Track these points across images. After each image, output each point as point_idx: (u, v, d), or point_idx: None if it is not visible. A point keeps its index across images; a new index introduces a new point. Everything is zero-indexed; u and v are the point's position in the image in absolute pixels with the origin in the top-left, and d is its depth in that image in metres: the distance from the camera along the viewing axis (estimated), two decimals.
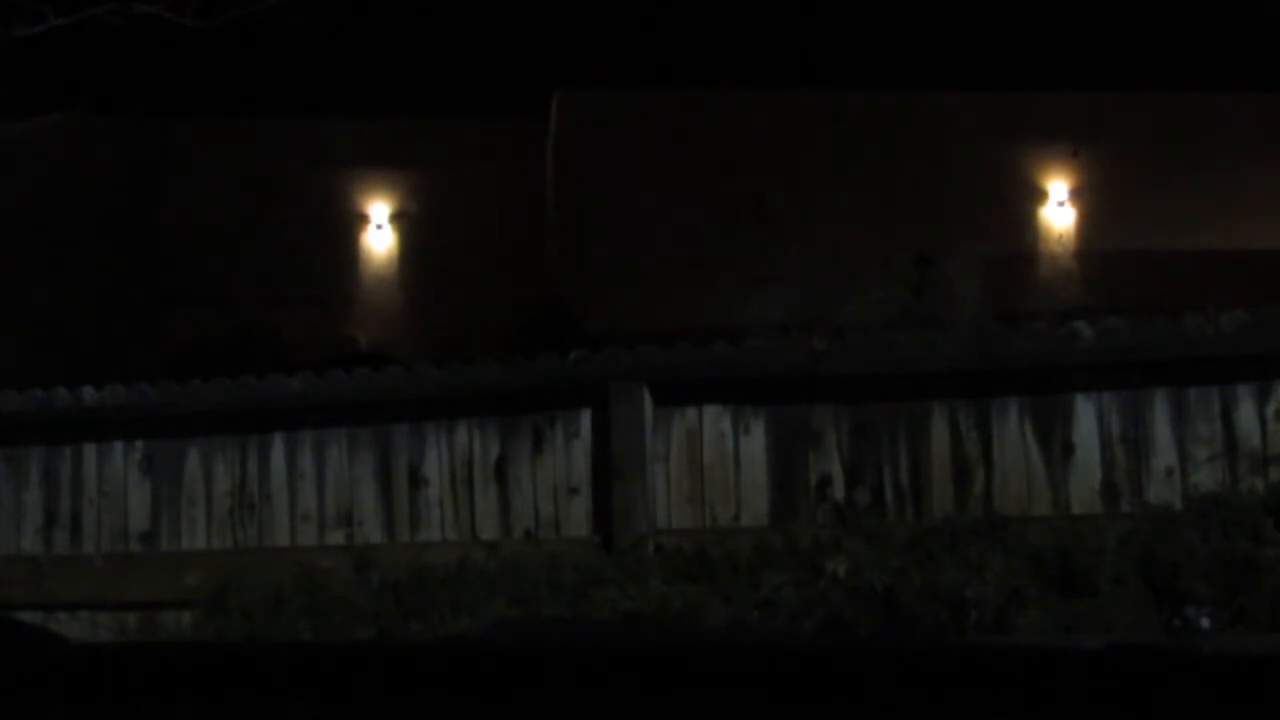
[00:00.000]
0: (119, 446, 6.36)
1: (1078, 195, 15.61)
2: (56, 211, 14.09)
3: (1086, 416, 5.18)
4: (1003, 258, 14.75)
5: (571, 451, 5.72)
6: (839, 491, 5.39)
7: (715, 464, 5.54)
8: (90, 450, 6.39)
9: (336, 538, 5.99)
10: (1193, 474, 5.03)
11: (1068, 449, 5.19)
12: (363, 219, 15.93)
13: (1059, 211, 15.66)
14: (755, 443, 5.51)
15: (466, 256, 14.96)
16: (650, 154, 14.56)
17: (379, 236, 15.96)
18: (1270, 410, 5.00)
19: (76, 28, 6.93)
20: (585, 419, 5.70)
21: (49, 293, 13.62)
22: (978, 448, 5.27)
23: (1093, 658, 1.58)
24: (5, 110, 7.22)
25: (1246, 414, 5.02)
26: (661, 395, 5.58)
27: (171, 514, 6.26)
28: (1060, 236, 15.64)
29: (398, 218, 15.94)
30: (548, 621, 4.04)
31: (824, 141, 14.59)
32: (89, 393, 6.38)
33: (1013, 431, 5.25)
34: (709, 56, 15.53)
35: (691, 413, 5.58)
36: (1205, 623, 4.00)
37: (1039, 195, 15.65)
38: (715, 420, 5.56)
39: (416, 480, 5.91)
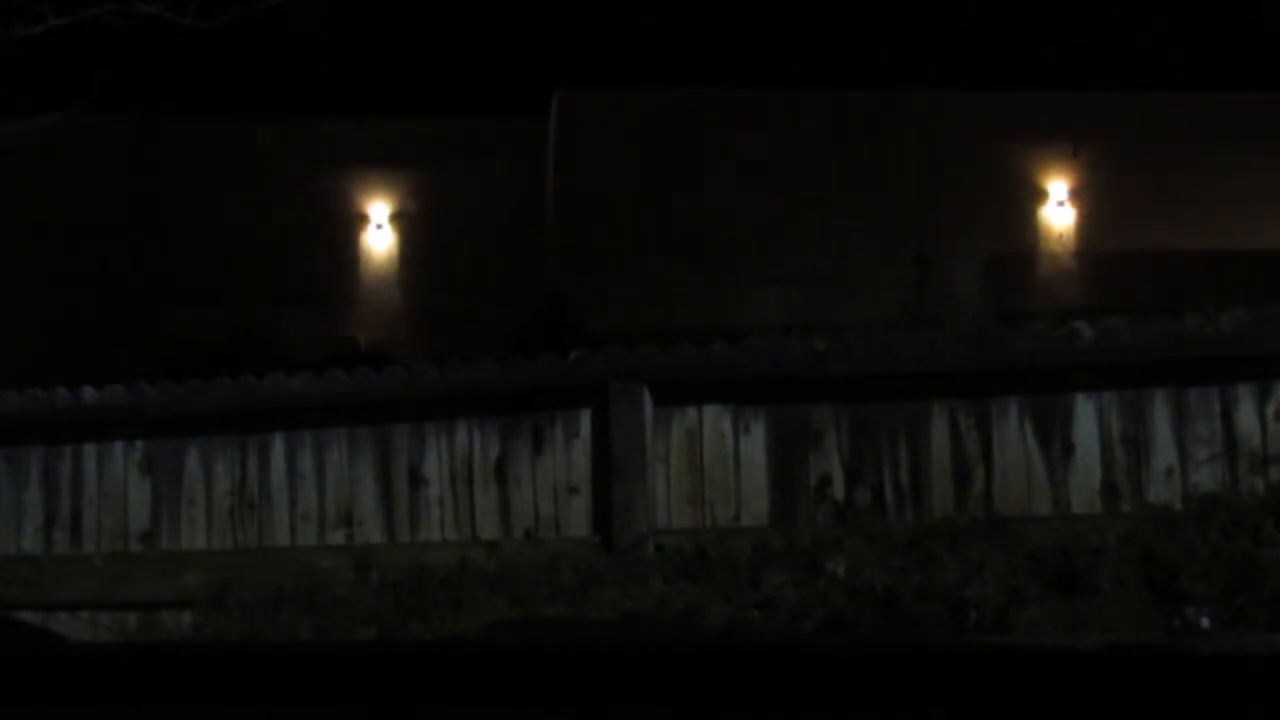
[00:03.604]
0: (119, 446, 6.35)
1: (1078, 195, 15.60)
2: (56, 211, 14.08)
3: (1086, 416, 5.18)
4: (1003, 258, 14.76)
5: (571, 451, 5.71)
6: (839, 491, 5.39)
7: (715, 464, 5.54)
8: (90, 450, 6.39)
9: (336, 538, 5.99)
10: (1193, 474, 5.03)
11: (1068, 449, 5.19)
12: (363, 219, 15.92)
13: (1059, 211, 15.66)
14: (755, 443, 5.51)
15: (466, 256, 14.96)
16: (650, 154, 14.56)
17: (379, 236, 15.96)
18: (1270, 410, 5.00)
19: (76, 28, 6.92)
20: (585, 419, 5.70)
21: (49, 293, 13.62)
22: (978, 448, 5.27)
23: (1093, 658, 1.58)
24: (5, 110, 7.22)
25: (1246, 414, 5.02)
26: (661, 395, 5.58)
27: (171, 514, 6.26)
28: (1060, 236, 15.64)
29: (398, 218, 15.93)
30: (548, 621, 4.04)
31: (824, 141, 14.58)
32: (89, 393, 6.38)
33: (1013, 431, 5.25)
34: (709, 56, 15.53)
35: (691, 413, 5.58)
36: (1205, 623, 4.00)
37: (1039, 195, 15.64)
38: (715, 420, 5.56)
39: (416, 480, 5.91)
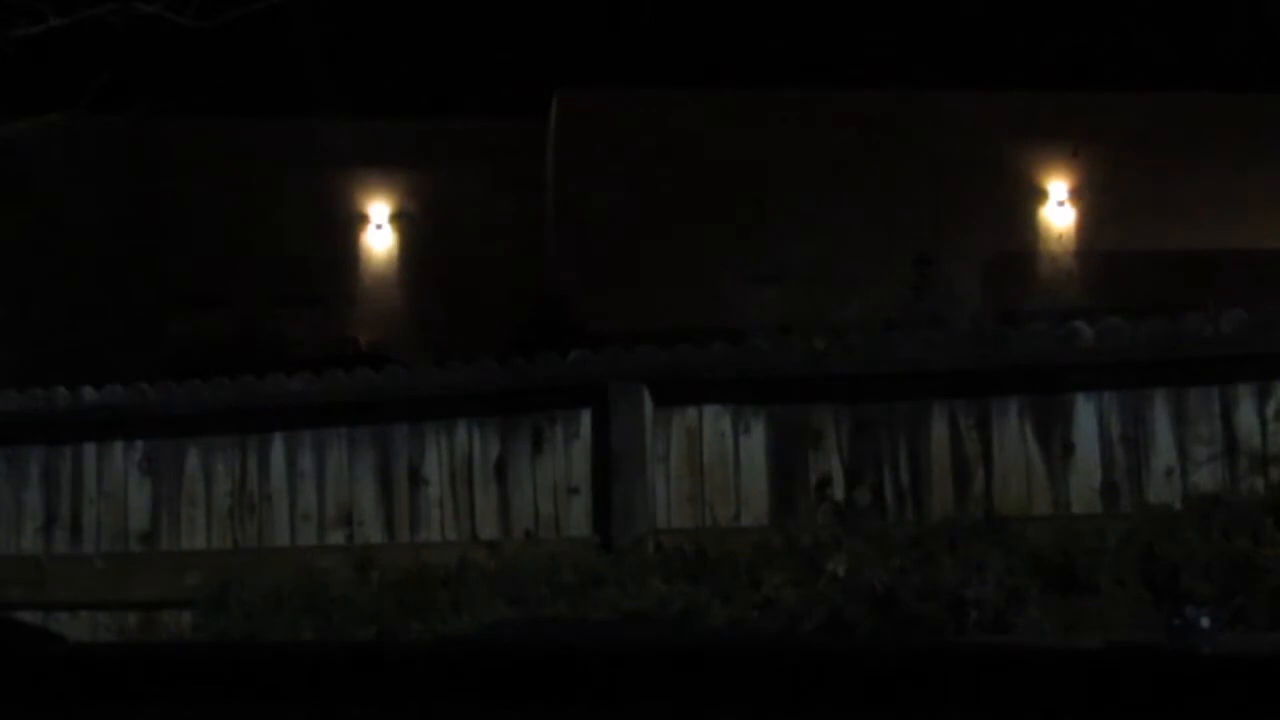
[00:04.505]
0: (119, 446, 6.35)
1: (1078, 195, 15.61)
2: (56, 212, 14.09)
3: (1086, 416, 5.18)
4: (1003, 258, 14.76)
5: (571, 451, 5.71)
6: (839, 491, 5.39)
7: (715, 464, 5.54)
8: (90, 450, 6.39)
9: (336, 538, 5.99)
10: (1193, 474, 5.03)
11: (1068, 449, 5.19)
12: (363, 219, 15.94)
13: (1059, 211, 15.67)
14: (755, 442, 5.51)
15: (466, 257, 14.96)
16: (650, 154, 14.56)
17: (379, 236, 15.96)
18: (1270, 410, 5.00)
19: (76, 28, 6.92)
20: (585, 419, 5.69)
21: (49, 293, 13.62)
22: (978, 447, 5.27)
23: (1093, 658, 1.58)
24: (5, 110, 7.21)
25: (1246, 414, 5.02)
26: (661, 395, 5.58)
27: (171, 514, 6.26)
28: (1060, 236, 15.65)
29: (398, 218, 15.94)
30: (548, 621, 4.04)
31: (824, 141, 14.59)
32: (89, 393, 6.38)
33: (1013, 431, 5.25)
34: (709, 57, 15.53)
35: (691, 413, 5.57)
36: (1205, 623, 3.99)
37: (1039, 195, 15.65)
38: (715, 420, 5.56)
39: (416, 480, 5.91)
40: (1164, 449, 5.09)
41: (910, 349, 5.36)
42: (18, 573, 6.25)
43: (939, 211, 14.16)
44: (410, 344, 13.79)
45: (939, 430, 5.31)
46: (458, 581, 5.27)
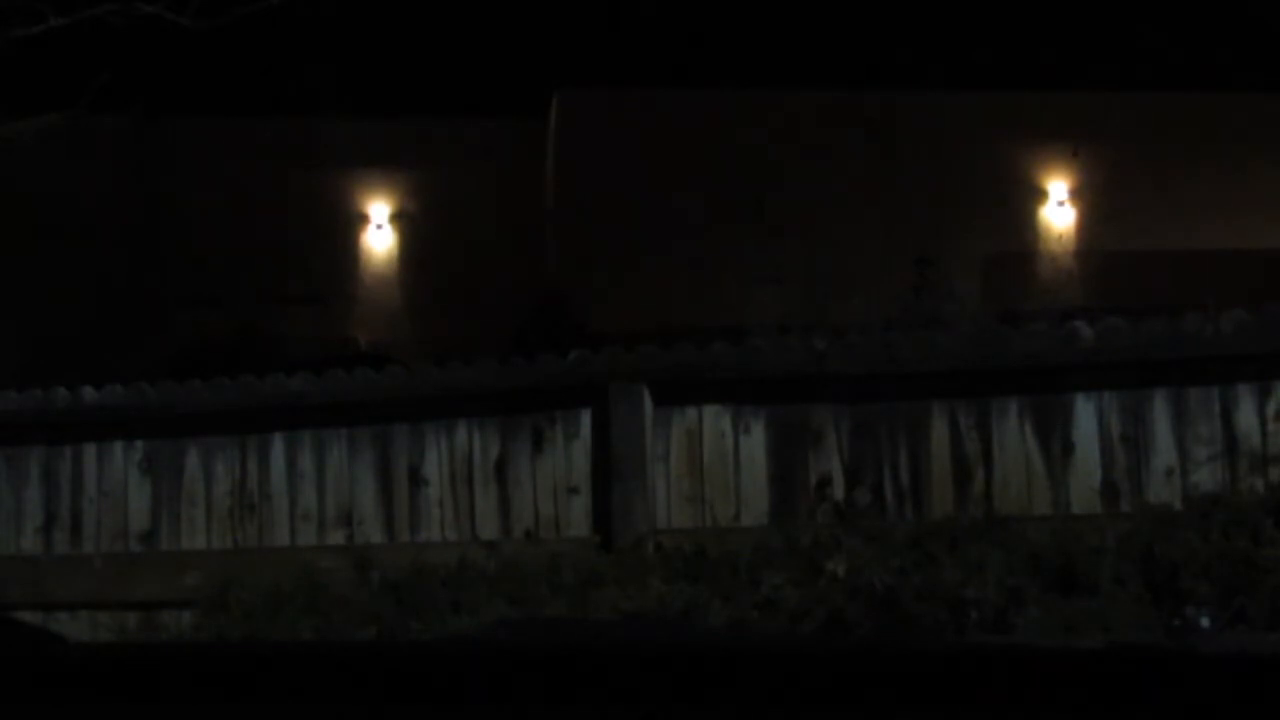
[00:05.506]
0: (119, 446, 6.35)
1: (1078, 195, 15.60)
2: (56, 212, 14.08)
3: (1086, 416, 5.18)
4: (1003, 258, 14.76)
5: (571, 451, 5.71)
6: (839, 491, 5.39)
7: (715, 464, 5.54)
8: (90, 450, 6.39)
9: (336, 538, 5.99)
10: (1193, 474, 5.03)
11: (1068, 449, 5.19)
12: (363, 219, 15.93)
13: (1059, 211, 15.66)
14: (755, 442, 5.51)
15: (466, 256, 14.96)
16: (650, 154, 14.55)
17: (379, 236, 15.96)
18: (1270, 410, 5.00)
19: (76, 28, 6.92)
20: (585, 419, 5.70)
21: (49, 293, 13.61)
22: (978, 448, 5.27)
23: (1093, 658, 1.58)
24: (5, 110, 7.21)
25: (1246, 414, 5.02)
26: (661, 395, 5.58)
27: (171, 514, 6.26)
28: (1060, 236, 15.64)
29: (398, 218, 15.93)
30: (548, 621, 4.04)
31: (824, 141, 14.58)
32: (89, 393, 6.38)
33: (1013, 431, 5.25)
34: (710, 56, 15.53)
35: (691, 413, 5.58)
36: (1205, 623, 4.00)
37: (1039, 195, 15.64)
38: (715, 420, 5.56)
39: (416, 480, 5.91)
40: (1164, 449, 5.09)
41: (910, 349, 5.36)
42: (18, 573, 6.25)
43: (939, 211, 14.15)
44: (410, 344, 13.79)
45: (939, 430, 5.32)
46: (458, 581, 5.27)
